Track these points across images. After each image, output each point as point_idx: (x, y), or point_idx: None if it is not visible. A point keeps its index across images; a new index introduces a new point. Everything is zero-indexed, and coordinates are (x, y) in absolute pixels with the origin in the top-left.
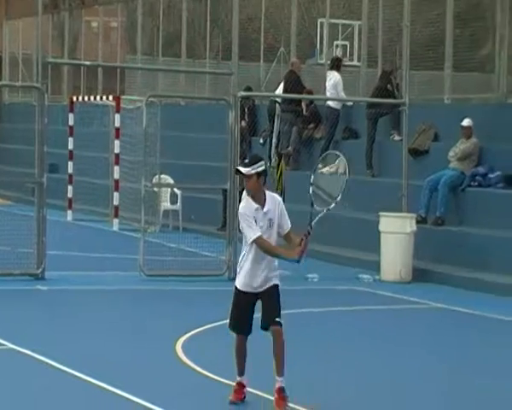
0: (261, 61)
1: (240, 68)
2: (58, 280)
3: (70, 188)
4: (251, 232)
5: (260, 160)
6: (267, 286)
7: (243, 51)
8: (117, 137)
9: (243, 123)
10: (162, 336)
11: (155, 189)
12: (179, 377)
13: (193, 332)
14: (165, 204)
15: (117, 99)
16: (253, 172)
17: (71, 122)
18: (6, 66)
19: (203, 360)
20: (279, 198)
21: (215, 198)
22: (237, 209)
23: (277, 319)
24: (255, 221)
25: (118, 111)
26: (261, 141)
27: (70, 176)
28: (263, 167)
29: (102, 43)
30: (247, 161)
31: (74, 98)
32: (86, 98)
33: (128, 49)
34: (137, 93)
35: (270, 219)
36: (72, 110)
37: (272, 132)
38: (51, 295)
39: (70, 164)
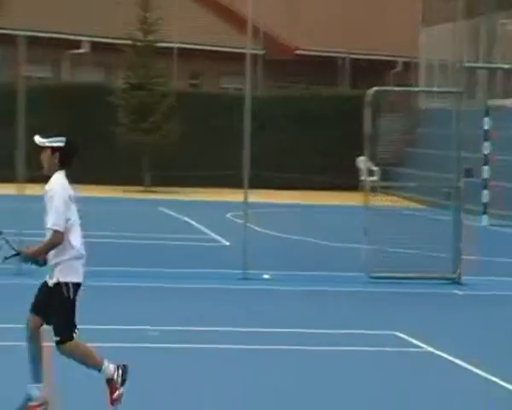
0: None
1: None
2: (474, 285)
3: (485, 192)
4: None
5: (63, 136)
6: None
7: None
8: None
9: None
10: None
11: None
12: None
13: None
14: None
15: None
16: (48, 144)
17: (486, 126)
18: (422, 71)
19: None
20: (53, 187)
21: None
22: None
23: (55, 338)
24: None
25: None
26: None
27: (485, 180)
28: (61, 144)
29: None
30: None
31: (489, 102)
32: (501, 102)
33: None
34: None
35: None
36: (487, 114)
37: None
38: (467, 299)
39: (485, 168)
